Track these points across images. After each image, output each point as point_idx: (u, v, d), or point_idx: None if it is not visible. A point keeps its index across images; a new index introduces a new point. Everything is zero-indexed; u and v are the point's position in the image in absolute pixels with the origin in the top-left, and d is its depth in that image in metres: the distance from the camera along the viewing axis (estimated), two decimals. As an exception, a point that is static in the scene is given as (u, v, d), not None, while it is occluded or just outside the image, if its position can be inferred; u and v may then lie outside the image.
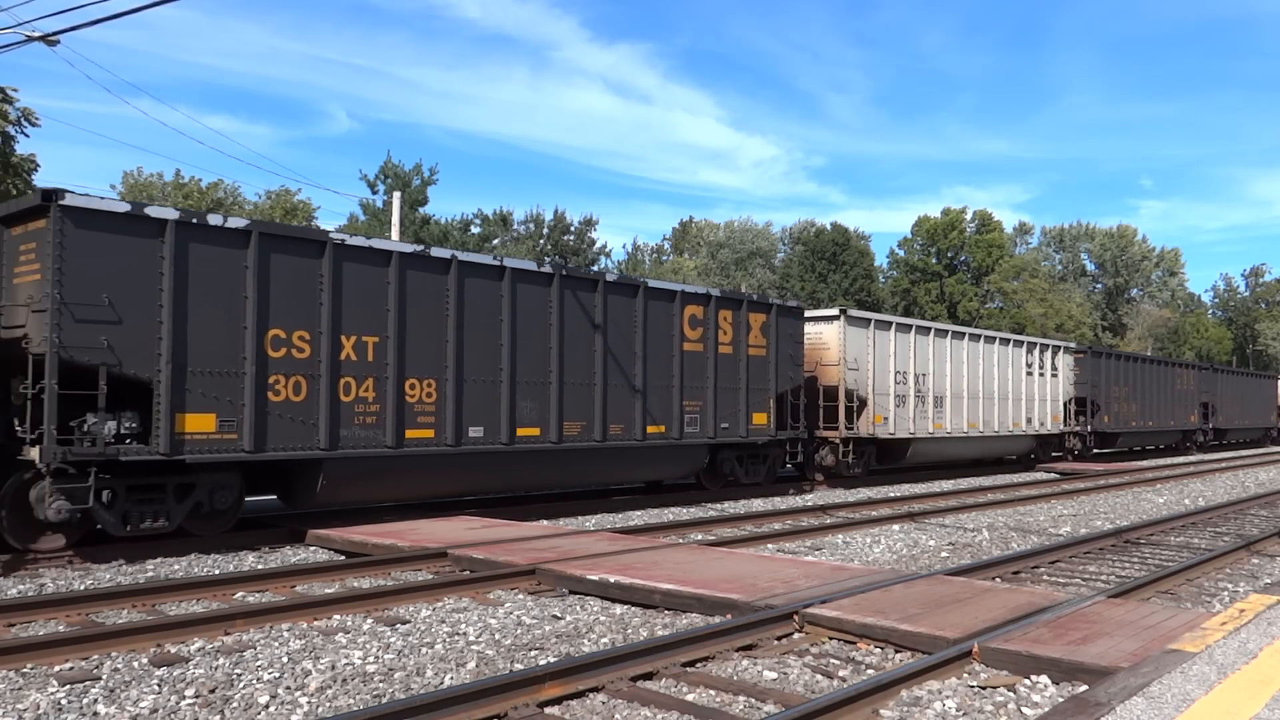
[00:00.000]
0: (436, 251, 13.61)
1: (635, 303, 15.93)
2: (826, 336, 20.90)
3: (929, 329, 23.78)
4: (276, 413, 11.53)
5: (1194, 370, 40.35)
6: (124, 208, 10.62)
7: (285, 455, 11.67)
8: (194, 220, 11.06)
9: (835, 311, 21.13)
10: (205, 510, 11.30)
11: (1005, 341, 26.83)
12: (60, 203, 9.93)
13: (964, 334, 25.19)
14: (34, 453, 9.90)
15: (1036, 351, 28.05)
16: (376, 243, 12.82)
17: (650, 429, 16.10)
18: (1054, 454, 29.53)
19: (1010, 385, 26.42)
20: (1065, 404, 29.48)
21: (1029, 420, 27.27)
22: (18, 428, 10.21)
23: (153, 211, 10.69)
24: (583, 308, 15.16)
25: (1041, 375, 28.09)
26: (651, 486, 18.44)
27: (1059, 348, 29.60)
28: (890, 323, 22.63)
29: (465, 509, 14.74)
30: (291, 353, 11.75)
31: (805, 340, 19.84)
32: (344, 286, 12.22)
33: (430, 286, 13.17)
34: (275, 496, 12.99)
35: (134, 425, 10.45)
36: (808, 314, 20.61)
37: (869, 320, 21.81)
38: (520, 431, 14.20)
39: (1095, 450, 31.65)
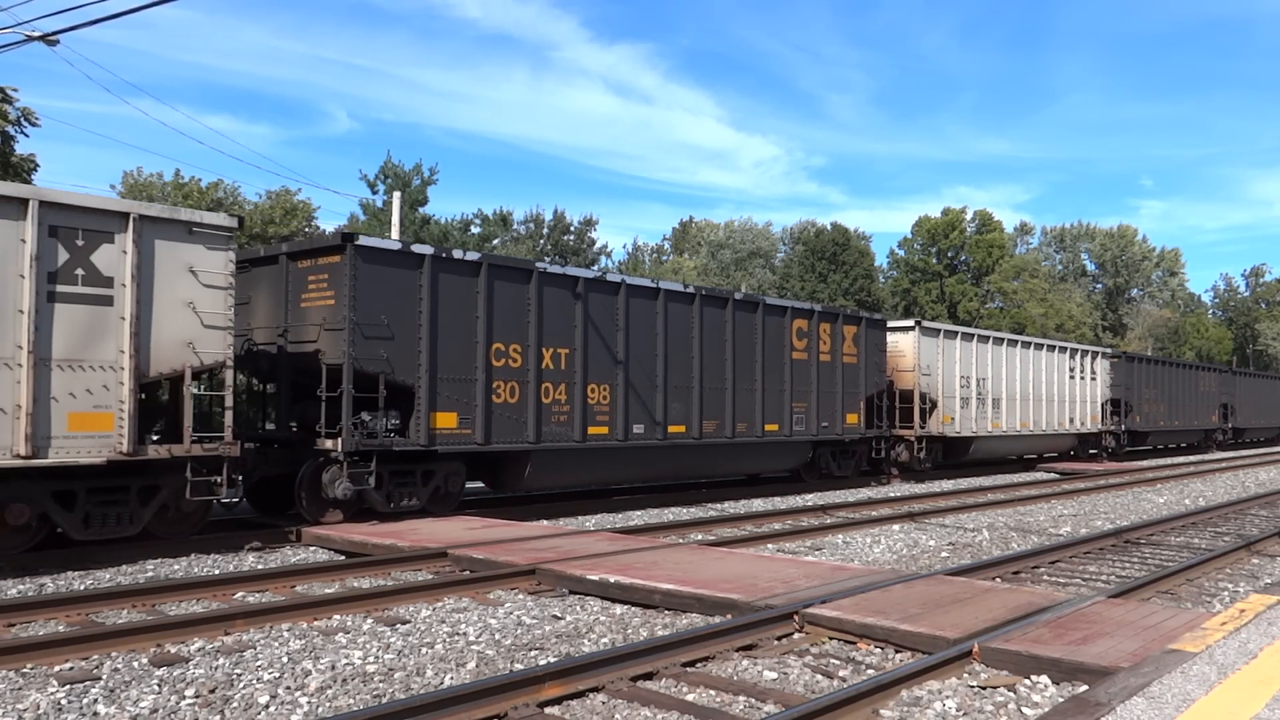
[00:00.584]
0: (611, 276, 16.10)
1: (755, 317, 18.44)
2: (902, 345, 23.29)
3: (988, 337, 26.38)
4: (498, 412, 14.01)
5: (1215, 373, 42.80)
6: (396, 245, 13.09)
7: (505, 448, 14.23)
8: (443, 254, 13.55)
9: (910, 323, 23.67)
10: (441, 493, 13.69)
11: (1051, 348, 29.14)
12: (355, 242, 12.45)
13: (1017, 341, 27.69)
14: (328, 444, 12.30)
15: (1078, 357, 30.45)
16: (569, 270, 15.53)
17: (767, 427, 18.60)
18: (1091, 451, 31.55)
19: (1055, 388, 28.86)
20: (1102, 405, 31.67)
21: (1071, 420, 29.69)
22: (291, 425, 13.01)
23: (416, 248, 13.14)
24: (716, 322, 17.64)
25: (1082, 379, 30.44)
26: (750, 478, 20.56)
27: (1097, 353, 32.04)
28: (956, 332, 24.93)
29: (467, 509, 14.76)
30: (508, 362, 14.17)
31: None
32: (545, 307, 14.63)
33: (605, 306, 15.66)
34: (482, 484, 15.40)
35: (396, 422, 12.85)
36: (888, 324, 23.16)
37: (939, 330, 24.28)
38: (671, 429, 16.64)
39: (1127, 448, 33.66)
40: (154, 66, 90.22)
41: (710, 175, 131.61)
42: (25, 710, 5.49)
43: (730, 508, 16.87)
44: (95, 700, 5.66)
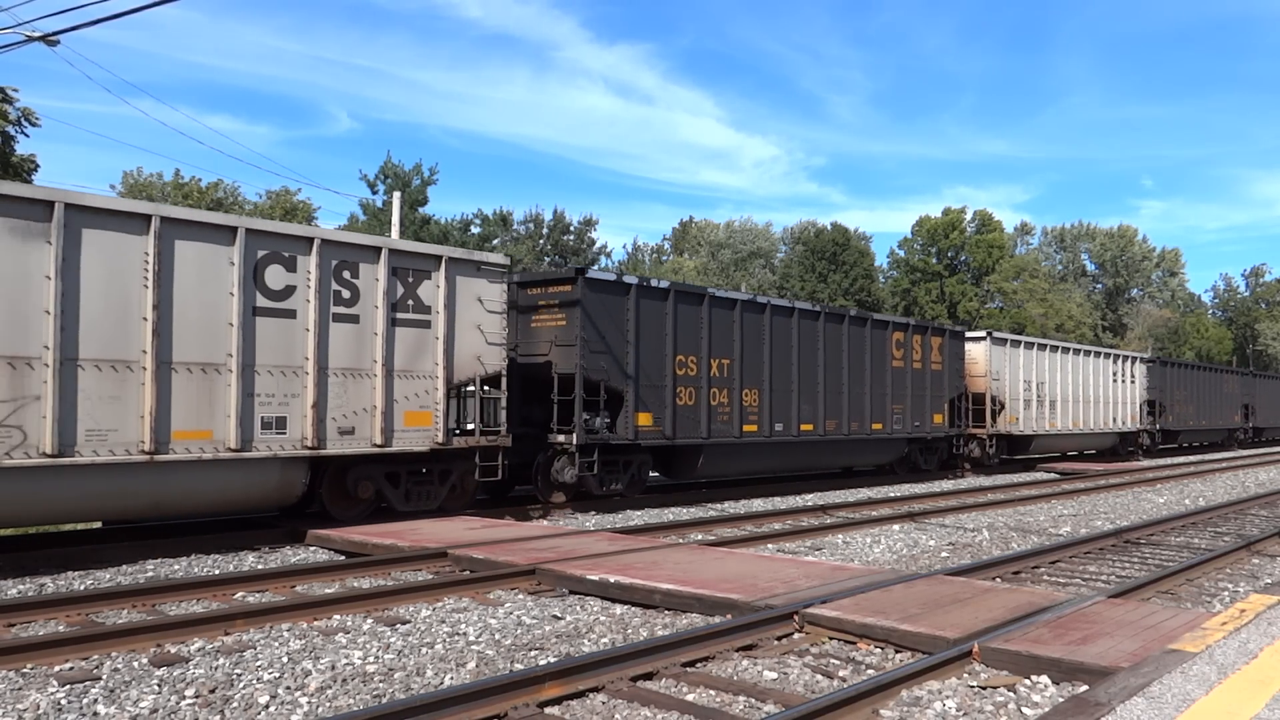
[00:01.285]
0: (760, 298, 19.26)
1: (864, 331, 21.45)
2: (975, 353, 26.11)
3: (1046, 345, 29.34)
4: (680, 413, 16.93)
5: (1237, 376, 46.72)
6: (612, 276, 16.16)
7: (685, 442, 17.17)
8: (644, 283, 16.66)
9: (983, 334, 26.95)
10: (635, 479, 16.70)
11: (1097, 354, 32.42)
12: (585, 275, 15.49)
13: (1070, 349, 30.83)
14: (560, 438, 15.21)
15: (1119, 362, 33.63)
16: (730, 294, 18.50)
17: (874, 425, 21.56)
18: (1129, 449, 34.65)
19: (1101, 390, 31.96)
20: (1140, 405, 34.71)
21: (1114, 419, 32.95)
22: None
23: (626, 278, 16.29)
24: (835, 335, 20.59)
25: (1122, 382, 33.49)
26: (845, 471, 23.36)
27: (1136, 358, 35.02)
28: (1020, 341, 28.12)
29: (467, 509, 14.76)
30: (687, 371, 17.16)
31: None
32: (713, 325, 17.68)
33: (754, 323, 18.68)
34: (657, 473, 18.42)
35: (608, 421, 15.79)
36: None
37: (1006, 340, 27.60)
38: (802, 427, 19.62)
39: (1160, 446, 36.74)
40: (155, 66, 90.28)
41: (711, 175, 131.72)
42: (25, 710, 5.49)
43: (730, 508, 16.87)
44: (95, 700, 5.66)
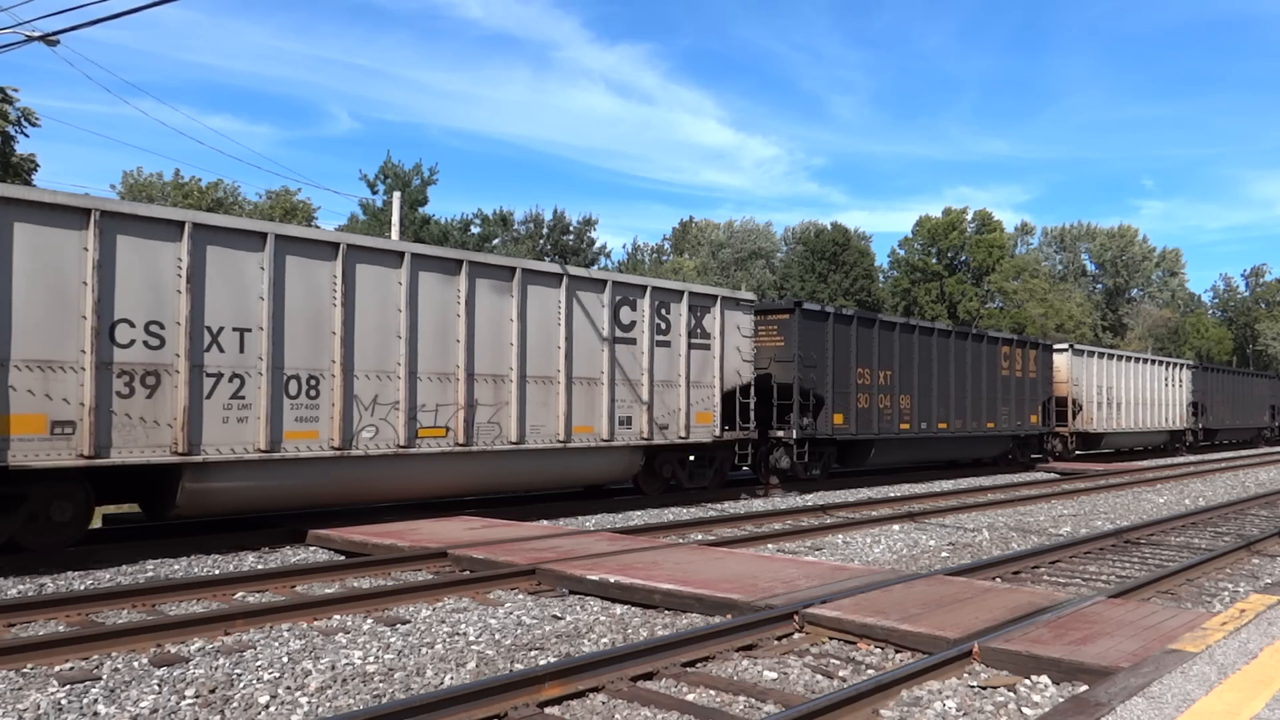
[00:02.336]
0: (912, 322, 23.49)
1: (982, 346, 25.75)
2: (1059, 362, 30.32)
3: (1112, 355, 34.13)
4: (859, 414, 21.12)
5: (1265, 380, 52.24)
6: (817, 307, 20.68)
7: (863, 437, 21.26)
8: (837, 310, 21.10)
9: (1065, 345, 31.38)
10: (825, 467, 20.74)
11: (1151, 361, 37.01)
12: (801, 306, 19.92)
13: (1131, 357, 35.51)
14: (780, 433, 19.29)
15: (1169, 368, 38.10)
16: (891, 318, 23.15)
17: (988, 424, 25.68)
18: (1176, 445, 38.91)
19: (1155, 394, 36.51)
20: (1186, 407, 38.96)
21: (1165, 419, 37.45)
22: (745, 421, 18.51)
23: (827, 308, 20.85)
24: (960, 349, 24.81)
25: (1171, 386, 37.86)
26: (950, 464, 26.82)
27: (1182, 365, 39.70)
28: (1095, 351, 33.16)
29: (468, 508, 14.76)
30: (863, 380, 21.25)
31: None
32: (879, 342, 21.88)
33: (906, 340, 22.83)
34: (836, 463, 21.65)
35: (811, 420, 19.78)
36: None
37: (1084, 350, 32.35)
38: (939, 425, 23.76)
39: (1202, 443, 41.19)
40: (155, 66, 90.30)
41: (711, 175, 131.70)
42: (25, 710, 5.49)
43: (730, 508, 16.87)
44: (95, 700, 5.66)
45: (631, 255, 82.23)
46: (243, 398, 11.20)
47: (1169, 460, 33.73)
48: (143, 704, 5.61)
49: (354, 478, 12.50)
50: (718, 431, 17.32)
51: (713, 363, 17.27)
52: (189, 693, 5.83)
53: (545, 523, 13.73)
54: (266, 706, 5.63)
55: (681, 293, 16.81)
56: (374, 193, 53.01)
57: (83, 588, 9.06)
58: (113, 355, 10.24)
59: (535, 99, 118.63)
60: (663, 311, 16.38)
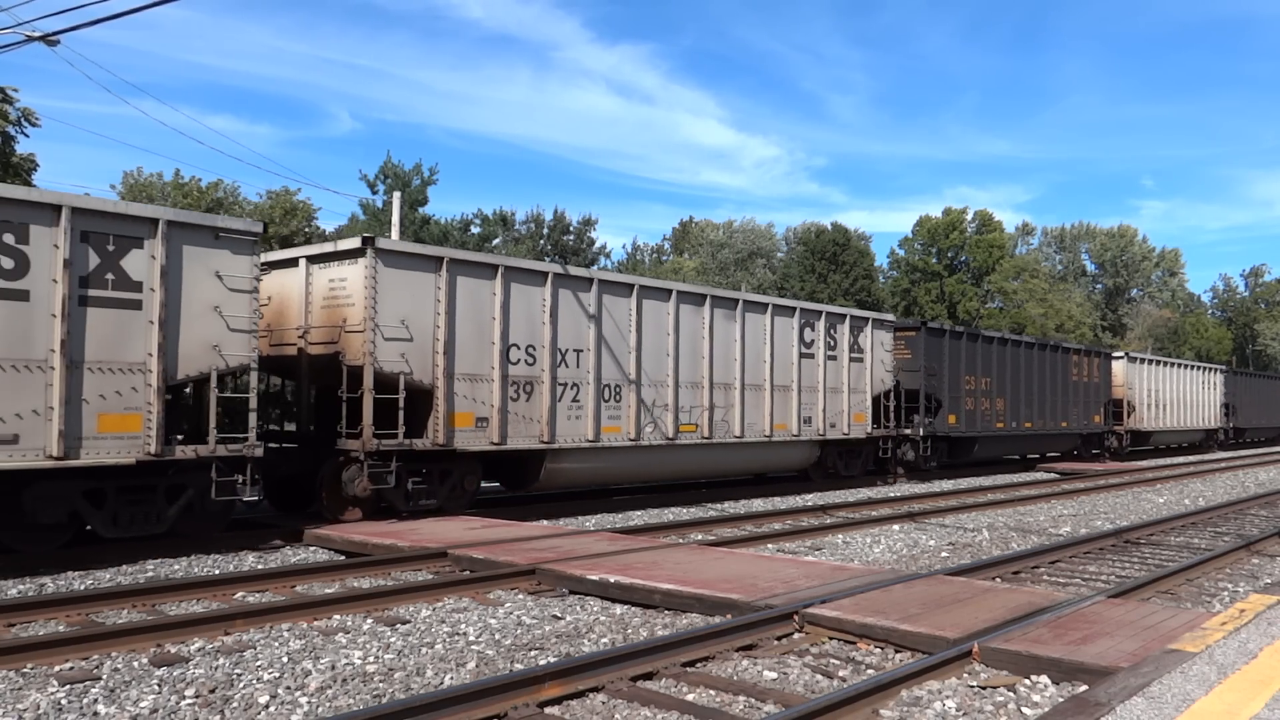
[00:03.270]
0: (1005, 335, 27.88)
1: (1058, 355, 29.84)
2: (1117, 369, 34.40)
3: (1160, 361, 38.39)
4: (967, 415, 24.93)
5: None
6: (937, 326, 24.87)
7: (971, 434, 25.15)
8: (952, 328, 25.20)
9: (1122, 354, 35.73)
10: (940, 458, 24.28)
11: (1194, 367, 41.68)
12: (927, 325, 23.81)
13: (1176, 364, 40.09)
14: (908, 430, 22.91)
15: (1207, 373, 42.64)
16: (989, 332, 27.80)
17: (1062, 424, 29.77)
18: (1209, 442, 42.98)
19: (1195, 396, 40.80)
20: (1219, 407, 43.26)
21: (1203, 419, 41.63)
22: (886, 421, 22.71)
23: (945, 325, 24.53)
24: (1042, 359, 28.85)
25: (1207, 389, 42.32)
26: (1029, 457, 30.58)
27: (1217, 369, 44.02)
28: (1146, 359, 37.21)
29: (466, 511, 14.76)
30: (969, 386, 25.01)
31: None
32: (980, 354, 25.71)
33: (1000, 351, 26.69)
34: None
35: (932, 419, 23.53)
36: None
37: (1137, 358, 36.60)
38: (1024, 424, 27.72)
39: (1233, 441, 45.33)
40: (156, 67, 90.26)
41: (712, 175, 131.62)
42: (25, 710, 5.49)
43: (730, 508, 16.87)
44: (95, 700, 5.66)
45: (631, 255, 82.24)
46: (578, 401, 15.16)
47: (1170, 460, 33.87)
48: (143, 704, 5.62)
49: (640, 462, 16.68)
50: (870, 429, 21.36)
51: (865, 372, 21.37)
52: (189, 693, 5.83)
53: (545, 523, 13.72)
54: (266, 706, 5.63)
55: (845, 315, 21.03)
56: (374, 193, 52.99)
57: (83, 588, 9.06)
58: (508, 370, 14.13)
59: (536, 99, 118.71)
60: (832, 331, 20.56)
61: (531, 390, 14.44)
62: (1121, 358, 34.95)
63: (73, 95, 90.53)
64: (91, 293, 10.07)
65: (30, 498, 9.80)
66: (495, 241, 58.83)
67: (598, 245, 66.24)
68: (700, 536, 12.95)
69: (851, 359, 20.86)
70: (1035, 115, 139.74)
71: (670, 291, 16.84)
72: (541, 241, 62.05)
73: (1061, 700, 5.60)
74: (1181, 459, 35.13)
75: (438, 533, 11.65)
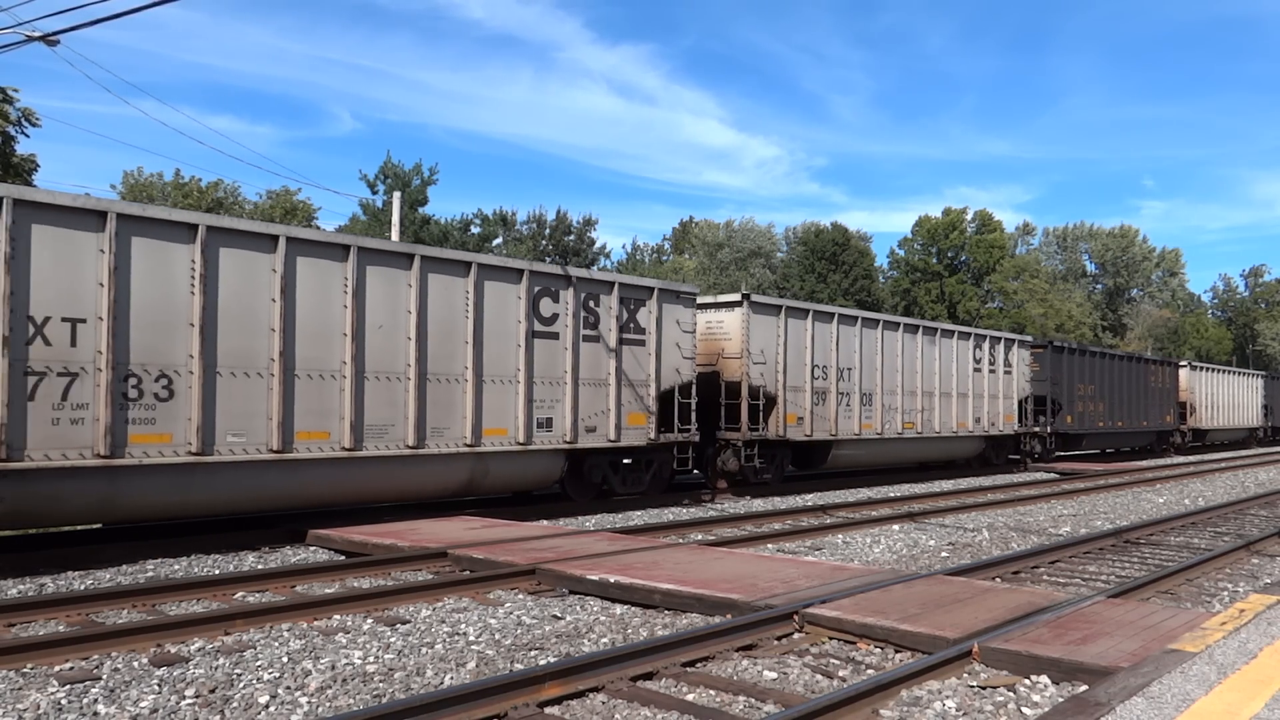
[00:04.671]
0: (1106, 350, 32.72)
1: (1140, 366, 35.49)
2: (1182, 375, 40.26)
3: (1213, 368, 44.87)
4: (1079, 416, 30.36)
5: None
6: (1061, 344, 30.53)
7: (1080, 431, 30.49)
8: (1069, 345, 30.82)
9: (1186, 363, 41.68)
10: (1056, 452, 29.69)
11: (1237, 373, 47.73)
12: (1053, 344, 30.16)
13: (1226, 370, 46.38)
14: (1037, 429, 27.88)
15: (1248, 378, 48.96)
16: (1092, 347, 33.51)
17: (1143, 423, 35.42)
18: (1249, 439, 49.17)
19: (1240, 397, 46.88)
20: (1260, 408, 49.50)
21: (1246, 418, 47.89)
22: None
23: (1064, 343, 30.48)
24: (1127, 368, 34.27)
25: (1249, 392, 48.32)
26: (1119, 452, 36.74)
27: (1258, 375, 50.53)
28: (1202, 366, 43.43)
29: (466, 509, 14.74)
30: (1079, 392, 30.03)
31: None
32: (1085, 366, 31.18)
33: (1099, 363, 32.20)
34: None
35: (1054, 419, 28.15)
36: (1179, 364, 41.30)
37: (1198, 366, 42.66)
38: (1118, 423, 33.43)
39: (1270, 437, 51.47)
40: (157, 67, 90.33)
41: (712, 175, 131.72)
42: (25, 710, 5.49)
43: (730, 508, 16.87)
44: (95, 700, 5.66)
45: (631, 255, 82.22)
46: (849, 406, 20.92)
47: (1169, 460, 33.97)
48: (143, 704, 5.62)
49: (883, 450, 22.70)
50: (1015, 427, 26.81)
51: (1013, 382, 26.77)
52: (189, 693, 5.83)
53: (545, 523, 13.72)
54: (266, 706, 5.63)
55: (1000, 338, 26.58)
56: (374, 193, 53.04)
57: (83, 588, 9.06)
58: (813, 385, 19.97)
59: (537, 99, 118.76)
60: (992, 350, 25.70)
61: (824, 398, 20.27)
62: (1185, 366, 40.96)
63: (73, 95, 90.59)
64: (626, 336, 16.11)
65: (588, 466, 15.63)
66: (496, 241, 58.81)
67: (598, 245, 66.19)
68: (700, 536, 12.95)
69: (1004, 372, 26.39)
70: (1036, 115, 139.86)
71: (898, 324, 22.87)
72: (543, 242, 62.00)
73: (1061, 700, 5.60)
74: (1181, 459, 35.30)
75: (438, 532, 11.65)
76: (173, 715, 5.49)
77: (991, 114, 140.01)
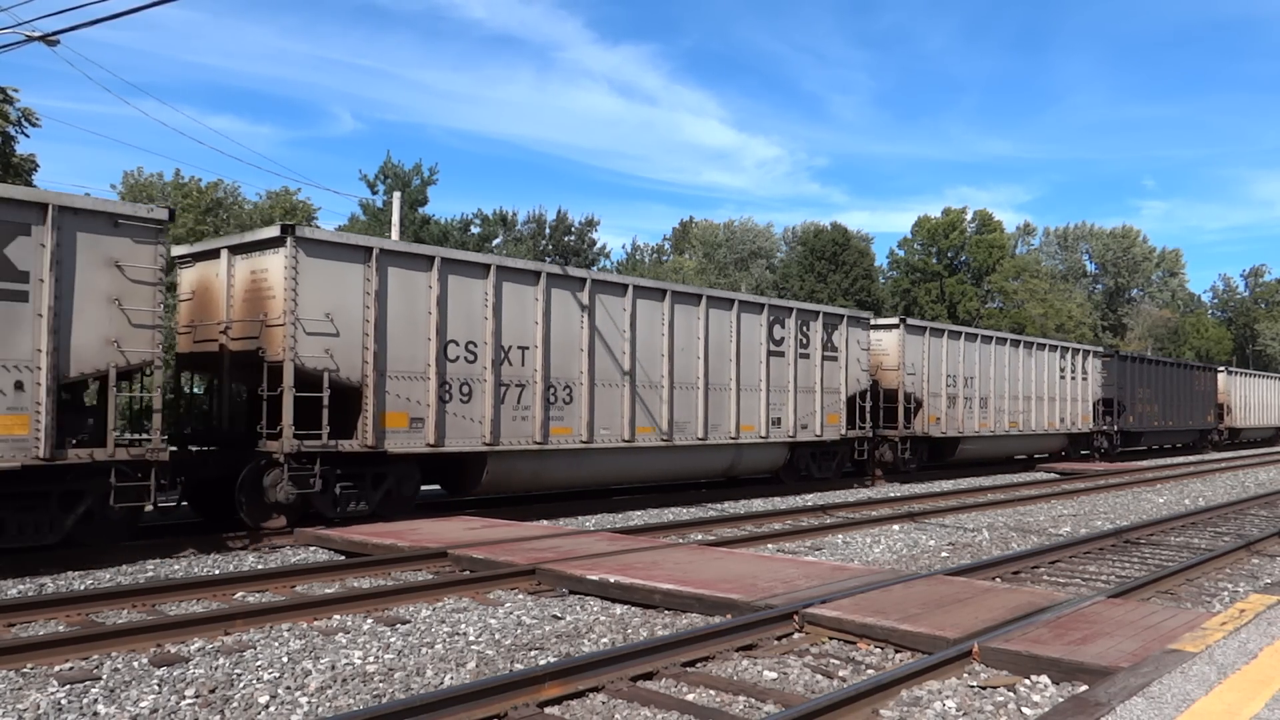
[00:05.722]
0: (1164, 359, 38.31)
1: (1187, 371, 40.18)
2: (1220, 379, 44.65)
3: (1247, 373, 49.87)
4: (1139, 416, 35.17)
5: None
6: (1126, 354, 36.62)
7: (1141, 430, 35.35)
8: (1129, 354, 36.82)
9: (1223, 368, 46.19)
10: (1122, 450, 34.74)
11: (1264, 377, 52.56)
12: (1118, 353, 35.34)
13: (1255, 375, 51.18)
14: (1105, 427, 32.77)
15: (1276, 381, 53.41)
16: (1149, 355, 40.98)
17: (1189, 422, 39.76)
18: (1277, 437, 53.88)
19: (1268, 399, 51.40)
20: None
21: (1274, 417, 52.24)
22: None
23: (1127, 354, 36.30)
24: (1174, 373, 38.19)
25: (1276, 394, 52.60)
26: (1170, 448, 40.81)
27: (1214, 370, 51.66)
28: (1237, 371, 47.97)
29: (464, 510, 14.74)
30: (1140, 394, 35.31)
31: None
32: (1143, 373, 35.55)
33: (1153, 370, 36.16)
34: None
35: (1119, 420, 33.67)
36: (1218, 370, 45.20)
37: (1234, 371, 47.02)
38: (1169, 423, 37.38)
39: None
40: (158, 67, 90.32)
41: (713, 175, 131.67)
42: (25, 710, 5.49)
43: (730, 508, 16.87)
44: (95, 700, 5.66)
45: (630, 255, 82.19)
46: (971, 408, 25.21)
47: (1170, 460, 34.00)
48: (143, 704, 5.61)
49: (994, 445, 27.24)
50: (1090, 426, 31.57)
51: (1089, 386, 31.76)
52: (189, 693, 5.83)
53: (545, 523, 13.72)
54: (266, 706, 5.63)
55: (1080, 349, 31.62)
56: (374, 193, 52.98)
57: (83, 588, 9.06)
58: (947, 391, 24.19)
59: (538, 99, 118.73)
60: (1074, 360, 30.93)
61: (953, 402, 24.85)
62: (1223, 371, 45.70)
63: (73, 95, 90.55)
64: (826, 354, 19.82)
65: (797, 456, 18.58)
66: (496, 241, 58.83)
67: (598, 246, 66.21)
68: (700, 536, 12.95)
69: (1081, 378, 31.21)
70: (1036, 115, 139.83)
71: (1005, 339, 27.69)
72: (543, 242, 62.03)
73: (1061, 700, 5.60)
74: (1181, 459, 35.31)
75: (438, 533, 11.65)
76: (173, 715, 5.49)
77: (992, 114, 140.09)
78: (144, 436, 10.97)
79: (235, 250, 12.83)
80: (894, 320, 23.59)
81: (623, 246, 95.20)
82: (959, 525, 14.77)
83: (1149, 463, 31.94)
